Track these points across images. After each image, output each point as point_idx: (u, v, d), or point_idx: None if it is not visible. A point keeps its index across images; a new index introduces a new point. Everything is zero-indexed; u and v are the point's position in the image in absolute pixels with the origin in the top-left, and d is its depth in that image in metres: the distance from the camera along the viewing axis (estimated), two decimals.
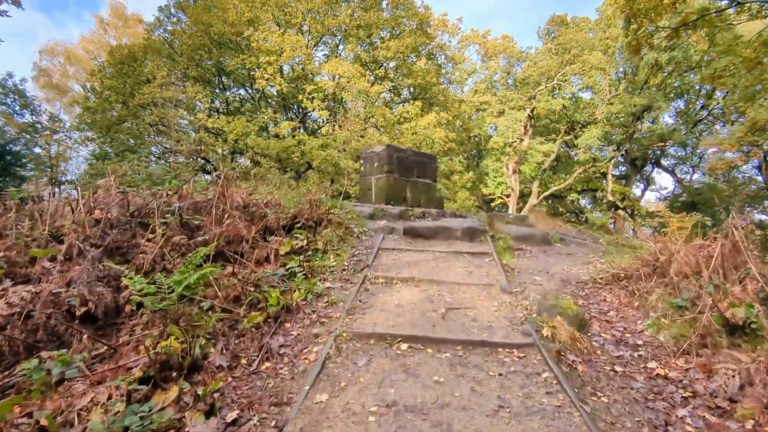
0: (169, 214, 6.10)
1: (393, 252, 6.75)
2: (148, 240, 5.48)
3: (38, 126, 30.66)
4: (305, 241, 6.50)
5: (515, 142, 26.52)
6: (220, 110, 23.71)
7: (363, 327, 4.24)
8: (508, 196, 29.16)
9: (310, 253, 6.28)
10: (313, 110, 20.50)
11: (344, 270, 5.86)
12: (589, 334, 4.64)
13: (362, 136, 20.31)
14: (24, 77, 31.49)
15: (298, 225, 6.93)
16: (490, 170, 29.25)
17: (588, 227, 11.12)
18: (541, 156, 26.77)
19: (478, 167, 34.50)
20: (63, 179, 32.61)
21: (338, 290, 5.24)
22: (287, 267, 5.60)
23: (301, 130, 23.81)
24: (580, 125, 26.52)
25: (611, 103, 24.99)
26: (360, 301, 4.95)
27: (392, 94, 27.47)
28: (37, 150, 30.72)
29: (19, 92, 30.04)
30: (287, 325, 4.40)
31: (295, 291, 4.96)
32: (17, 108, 29.85)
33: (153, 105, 19.13)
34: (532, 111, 26.90)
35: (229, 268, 5.24)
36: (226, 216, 6.34)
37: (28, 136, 30.35)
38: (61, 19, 60.87)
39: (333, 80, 20.50)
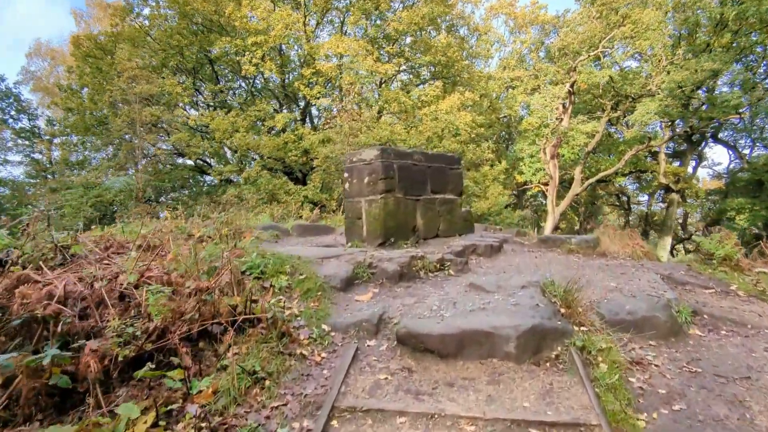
0: None
1: (363, 426, 2.78)
2: None
3: (36, 130, 27.72)
4: (151, 419, 2.62)
5: (553, 122, 21.86)
6: (212, 104, 19.97)
7: None
8: (546, 183, 24.58)
9: None
10: (313, 98, 16.50)
11: None
12: None
13: (370, 128, 16.23)
14: (18, 80, 28.64)
15: (158, 358, 3.05)
16: (525, 155, 24.65)
17: (701, 261, 6.87)
18: (584, 137, 22.05)
19: (508, 150, 29.90)
20: None
21: None
22: None
23: (308, 125, 19.82)
24: (631, 99, 21.60)
25: (668, 72, 20.00)
26: None
27: (411, 76, 23.19)
28: (37, 156, 27.87)
29: (15, 96, 27.15)
30: None
31: None
32: (12, 113, 27.00)
33: (124, 102, 15.51)
34: (572, 85, 22.14)
35: None
36: None
37: (26, 142, 27.59)
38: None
39: (337, 60, 16.40)
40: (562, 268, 6.30)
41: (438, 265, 5.53)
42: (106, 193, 13.59)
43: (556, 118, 22.12)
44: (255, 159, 16.24)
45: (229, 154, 21.41)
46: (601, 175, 23.37)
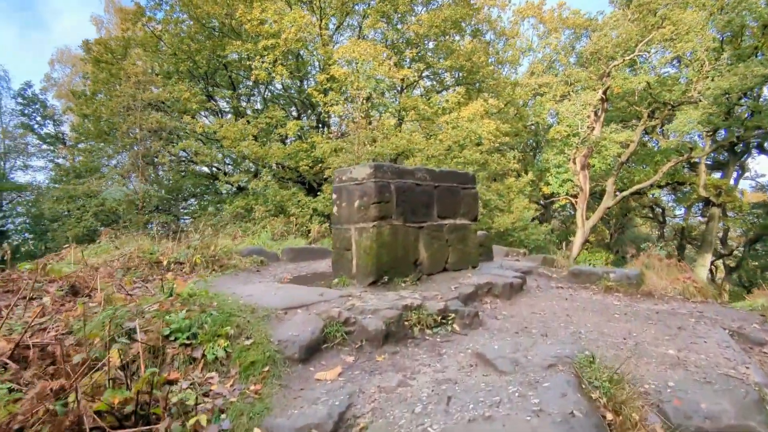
0: None
1: None
2: None
3: (61, 136, 27.53)
4: None
5: (584, 131, 20.18)
6: (228, 111, 19.13)
7: None
8: (574, 196, 22.87)
9: None
10: (327, 106, 15.38)
11: None
12: None
13: (387, 136, 15.03)
14: (45, 86, 28.64)
15: None
16: (552, 165, 23.00)
17: None
18: (618, 147, 20.30)
19: (536, 160, 28.24)
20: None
21: None
22: None
23: (326, 132, 18.71)
24: (670, 107, 19.75)
25: (711, 78, 18.09)
26: None
27: (434, 82, 21.93)
28: (61, 161, 27.64)
29: (42, 103, 27.09)
30: None
31: None
32: (38, 119, 26.91)
33: (130, 108, 14.72)
34: (605, 92, 20.44)
35: None
36: None
37: (51, 147, 27.45)
38: None
39: (356, 65, 15.25)
40: (600, 319, 4.91)
41: (439, 318, 4.23)
42: (104, 202, 12.81)
43: (588, 127, 20.45)
44: (266, 167, 15.20)
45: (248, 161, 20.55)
46: (636, 187, 21.51)
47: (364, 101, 13.79)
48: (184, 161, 18.48)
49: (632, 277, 6.39)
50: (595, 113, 21.13)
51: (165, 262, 6.11)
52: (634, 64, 21.38)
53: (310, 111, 19.71)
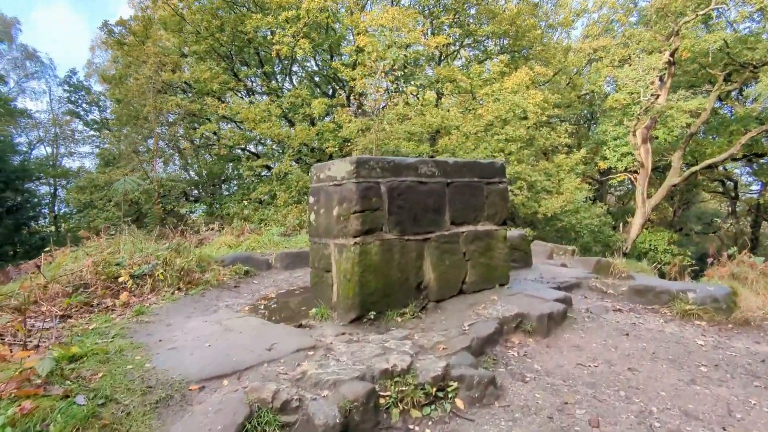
0: None
1: None
2: None
3: (106, 121, 27.59)
4: None
5: (647, 99, 17.53)
6: (258, 91, 18.03)
7: None
8: (634, 172, 20.28)
9: None
10: (354, 81, 13.91)
11: None
12: None
13: (423, 113, 13.44)
14: (89, 72, 28.63)
15: None
16: (609, 138, 20.43)
17: None
18: (686, 117, 17.53)
19: (590, 132, 25.56)
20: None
21: None
22: None
23: (356, 114, 17.26)
24: (752, 68, 16.73)
25: None
26: None
27: (477, 51, 19.85)
28: (107, 147, 27.84)
29: (86, 89, 27.18)
30: None
31: None
32: (84, 105, 27.04)
33: (149, 91, 13.88)
34: (672, 54, 17.60)
35: None
36: None
37: (98, 134, 27.61)
38: None
39: (378, 36, 13.64)
40: (679, 379, 3.32)
41: (434, 390, 2.83)
42: (115, 193, 12.15)
43: (651, 94, 17.75)
44: (289, 150, 14.02)
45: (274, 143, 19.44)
46: (707, 162, 18.70)
47: (383, 74, 12.18)
48: (213, 145, 17.67)
49: (720, 299, 4.67)
50: (660, 78, 18.37)
51: (124, 278, 5.03)
52: (708, 20, 18.34)
53: (341, 88, 18.30)
